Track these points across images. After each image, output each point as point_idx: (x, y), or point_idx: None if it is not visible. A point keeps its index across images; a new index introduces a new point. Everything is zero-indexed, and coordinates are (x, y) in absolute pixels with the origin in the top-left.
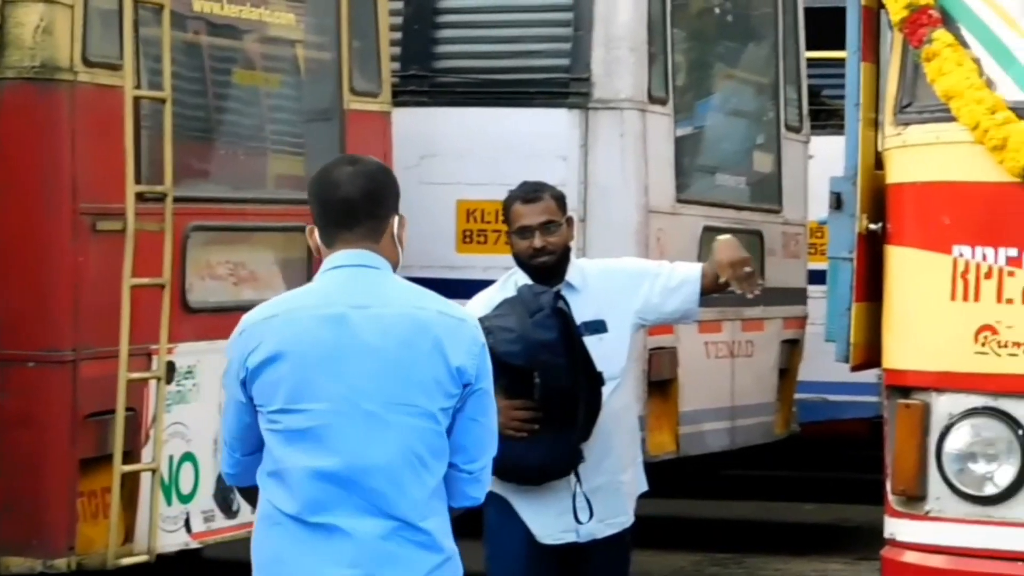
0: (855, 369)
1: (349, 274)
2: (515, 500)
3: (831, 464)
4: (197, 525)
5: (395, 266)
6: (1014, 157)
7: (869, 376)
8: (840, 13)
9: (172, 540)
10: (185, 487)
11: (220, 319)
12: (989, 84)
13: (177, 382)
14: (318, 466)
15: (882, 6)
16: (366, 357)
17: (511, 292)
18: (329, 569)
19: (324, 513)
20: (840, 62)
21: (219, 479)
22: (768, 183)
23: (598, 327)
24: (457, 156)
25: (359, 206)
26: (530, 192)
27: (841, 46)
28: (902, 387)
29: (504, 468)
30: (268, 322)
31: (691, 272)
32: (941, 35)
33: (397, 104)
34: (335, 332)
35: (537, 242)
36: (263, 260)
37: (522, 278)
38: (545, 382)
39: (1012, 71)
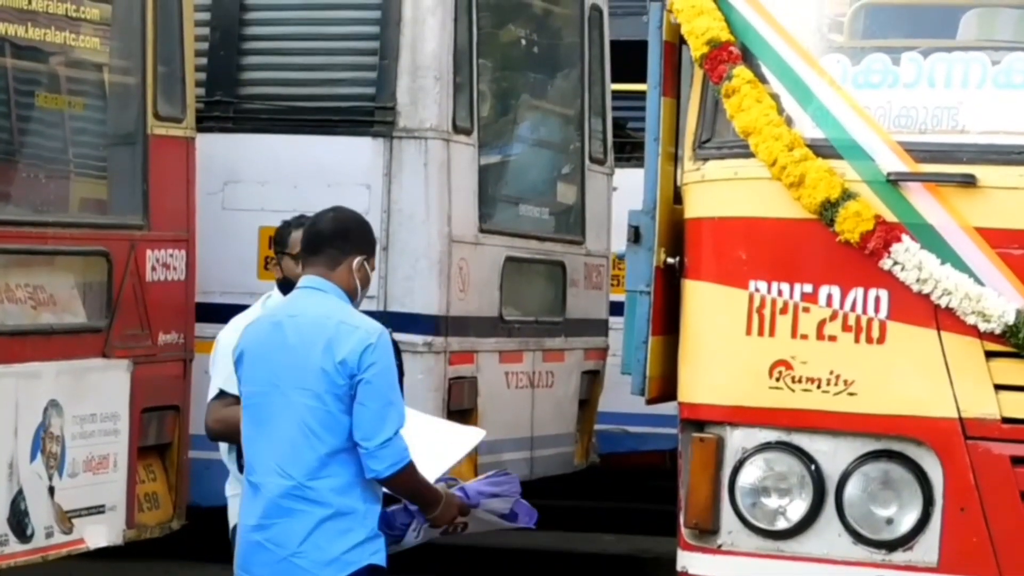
0: (651, 402)
1: (298, 293)
2: None
3: (631, 495)
4: None
5: (352, 294)
6: (811, 194)
7: (670, 408)
8: (645, 47)
9: None
10: None
11: (18, 342)
12: (788, 121)
13: None
14: (250, 435)
15: (683, 42)
16: (285, 352)
17: (261, 312)
18: (251, 519)
19: (253, 473)
20: (644, 95)
21: (13, 503)
22: (572, 214)
23: None
24: (260, 183)
25: (322, 239)
26: (309, 220)
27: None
28: (696, 421)
29: None
30: (246, 329)
31: None
32: (741, 72)
33: (201, 129)
34: (272, 334)
35: None
36: (63, 284)
37: (277, 299)
38: None
39: (810, 108)
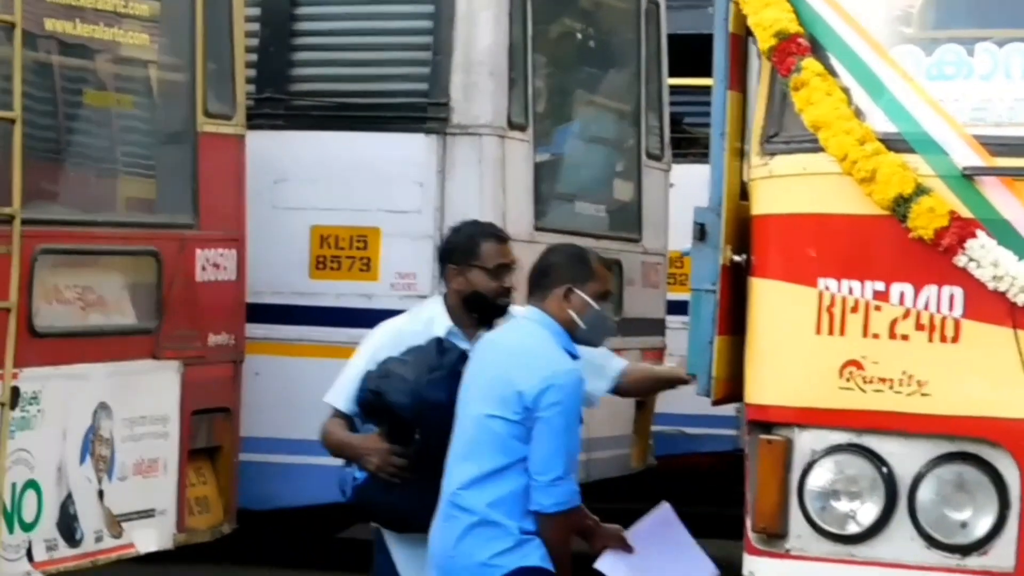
0: (717, 403)
1: (514, 319)
2: (391, 541)
3: (689, 498)
4: (40, 554)
5: (566, 324)
6: (883, 189)
7: (727, 409)
8: (703, 40)
9: (13, 569)
10: (28, 515)
11: (67, 344)
12: (858, 114)
13: (22, 408)
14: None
15: (750, 34)
16: (480, 370)
17: (421, 327)
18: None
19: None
20: (702, 89)
21: (63, 507)
22: (628, 212)
23: None
24: (311, 181)
25: (533, 276)
26: (500, 231)
27: (704, 73)
28: (764, 422)
29: (376, 509)
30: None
31: (613, 364)
32: (810, 64)
33: (251, 127)
34: (478, 352)
35: (508, 281)
36: (112, 284)
37: (440, 315)
38: (425, 440)
39: (881, 102)
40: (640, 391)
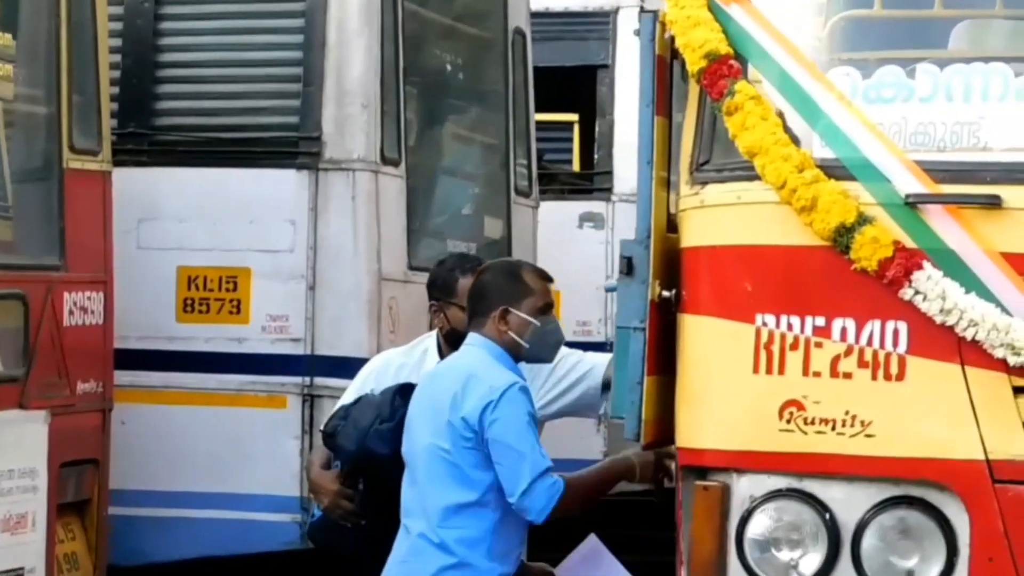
0: (647, 447)
1: (461, 348)
2: None
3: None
4: None
5: (508, 347)
6: (824, 219)
7: None
8: (559, 73)
9: None
10: None
11: None
12: (794, 140)
13: None
14: (405, 479)
15: (676, 56)
16: (428, 402)
17: (414, 360)
18: (399, 555)
19: (405, 516)
20: (559, 125)
21: None
22: (498, 250)
23: None
24: (178, 219)
25: (470, 301)
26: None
27: (560, 108)
28: (698, 467)
29: (325, 548)
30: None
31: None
32: (744, 87)
33: (115, 163)
34: (425, 384)
35: None
36: None
37: (432, 350)
38: (368, 490)
39: (819, 126)
40: None
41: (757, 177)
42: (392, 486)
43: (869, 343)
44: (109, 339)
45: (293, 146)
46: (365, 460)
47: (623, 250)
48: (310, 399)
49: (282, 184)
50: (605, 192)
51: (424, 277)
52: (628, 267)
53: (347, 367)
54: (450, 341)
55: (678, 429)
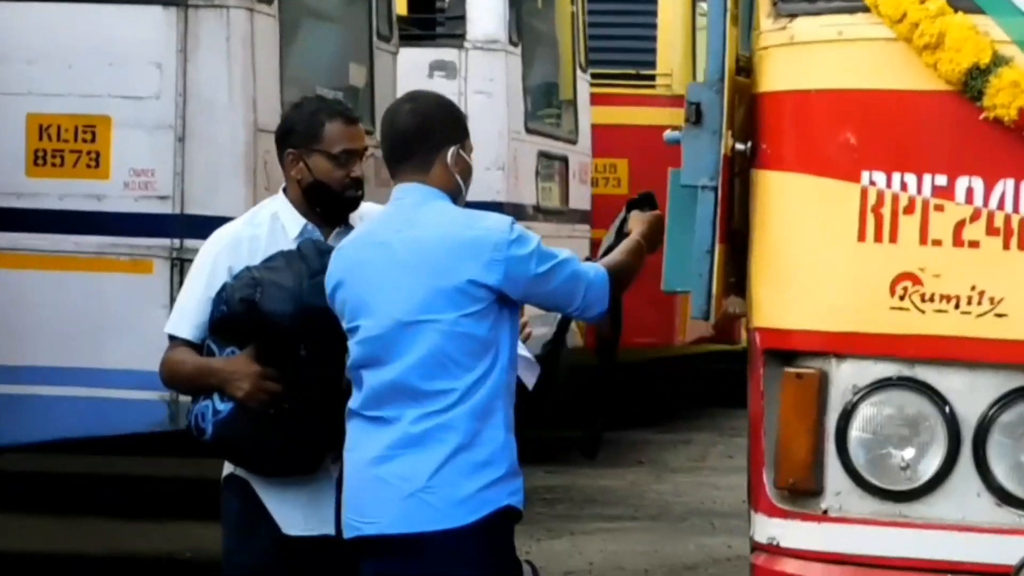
0: (717, 325)
1: (399, 205)
2: (259, 484)
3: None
4: None
5: (454, 193)
6: (952, 58)
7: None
8: None
9: None
10: None
11: None
12: None
13: None
14: (372, 369)
15: None
16: (401, 274)
17: (264, 230)
18: (370, 452)
19: (377, 407)
20: None
21: None
22: (362, 100)
23: None
24: (27, 61)
25: (406, 142)
26: (348, 111)
27: None
28: (786, 351)
29: (244, 447)
30: (336, 254)
31: None
32: None
33: None
34: (380, 256)
35: (357, 171)
36: None
37: (286, 210)
38: (311, 356)
39: None
40: None
41: (862, 8)
42: (340, 345)
43: (1000, 206)
44: None
45: None
46: (310, 318)
47: (690, 95)
48: (179, 263)
49: (146, 22)
50: (457, 39)
51: None
52: (696, 115)
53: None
54: (309, 198)
55: (755, 306)
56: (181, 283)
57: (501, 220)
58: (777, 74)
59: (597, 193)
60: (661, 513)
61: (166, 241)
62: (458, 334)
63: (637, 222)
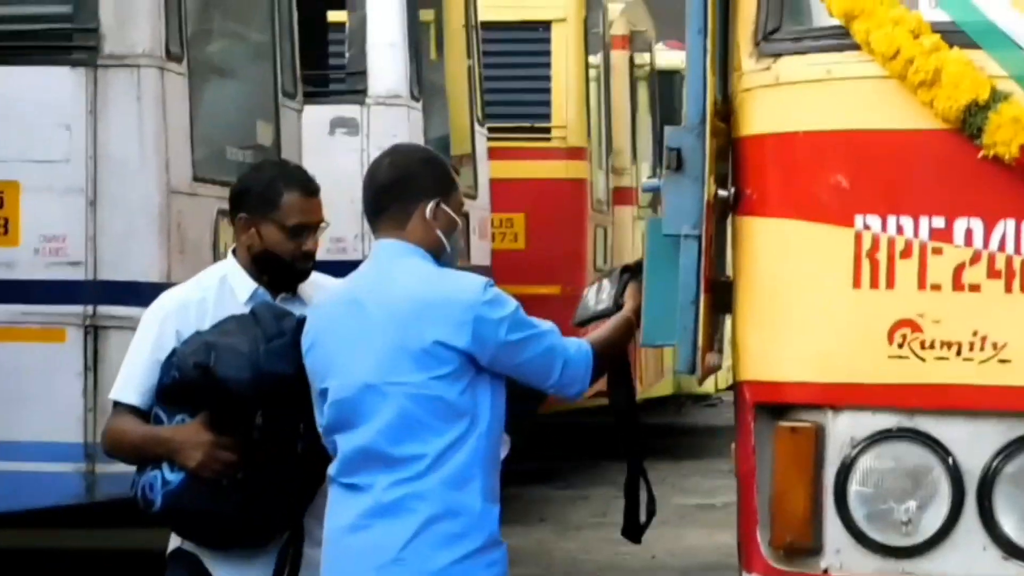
0: (704, 380)
1: (375, 263)
2: (210, 558)
3: None
4: None
5: (435, 249)
6: (950, 95)
7: None
8: None
9: None
10: None
11: None
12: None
13: None
14: (343, 433)
15: None
16: (371, 335)
17: (211, 293)
18: (343, 520)
19: (351, 474)
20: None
21: None
22: (268, 157)
23: None
24: None
25: (381, 195)
26: (310, 182)
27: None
28: (779, 405)
29: (196, 520)
30: (312, 312)
31: None
32: None
33: None
34: (352, 316)
35: (310, 244)
36: None
37: (236, 273)
38: (268, 424)
39: None
40: None
41: (851, 46)
42: (297, 413)
43: (1001, 247)
44: None
45: (66, 39)
46: (269, 385)
47: (669, 140)
48: (93, 330)
49: (54, 83)
50: (358, 94)
51: (208, 189)
52: (677, 161)
53: (136, 293)
54: (258, 263)
55: (743, 358)
56: (95, 351)
57: (475, 280)
58: (762, 116)
59: (495, 248)
60: (571, 572)
61: (79, 308)
62: (426, 397)
63: (631, 296)
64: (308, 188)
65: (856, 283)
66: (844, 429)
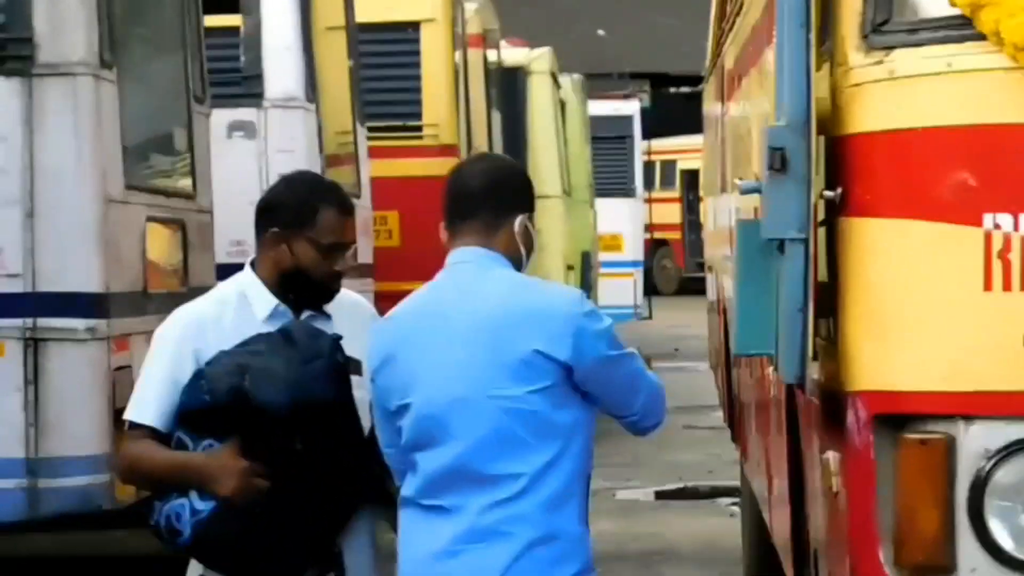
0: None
1: (457, 272)
2: None
3: None
4: None
5: (516, 264)
6: None
7: None
8: None
9: None
10: None
11: None
12: None
13: None
14: (426, 453)
15: None
16: (460, 347)
17: (230, 310)
18: (435, 545)
19: (434, 496)
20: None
21: None
22: (182, 163)
23: (357, 367)
24: None
25: (475, 200)
26: (346, 200)
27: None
28: (902, 416)
29: (229, 550)
30: (380, 328)
31: None
32: None
33: None
34: (434, 327)
35: (341, 265)
36: None
37: (255, 289)
38: (307, 449)
39: None
40: None
41: (972, 37)
42: (340, 436)
43: None
44: None
45: (1, 49)
46: (309, 409)
47: (771, 140)
48: (33, 343)
49: None
50: (255, 98)
51: (138, 197)
52: (781, 161)
53: (76, 304)
54: (286, 282)
55: (853, 368)
56: (36, 364)
57: (571, 291)
58: (874, 113)
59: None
60: None
61: (18, 321)
62: (524, 412)
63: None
64: (345, 206)
65: (987, 286)
66: (977, 440)
